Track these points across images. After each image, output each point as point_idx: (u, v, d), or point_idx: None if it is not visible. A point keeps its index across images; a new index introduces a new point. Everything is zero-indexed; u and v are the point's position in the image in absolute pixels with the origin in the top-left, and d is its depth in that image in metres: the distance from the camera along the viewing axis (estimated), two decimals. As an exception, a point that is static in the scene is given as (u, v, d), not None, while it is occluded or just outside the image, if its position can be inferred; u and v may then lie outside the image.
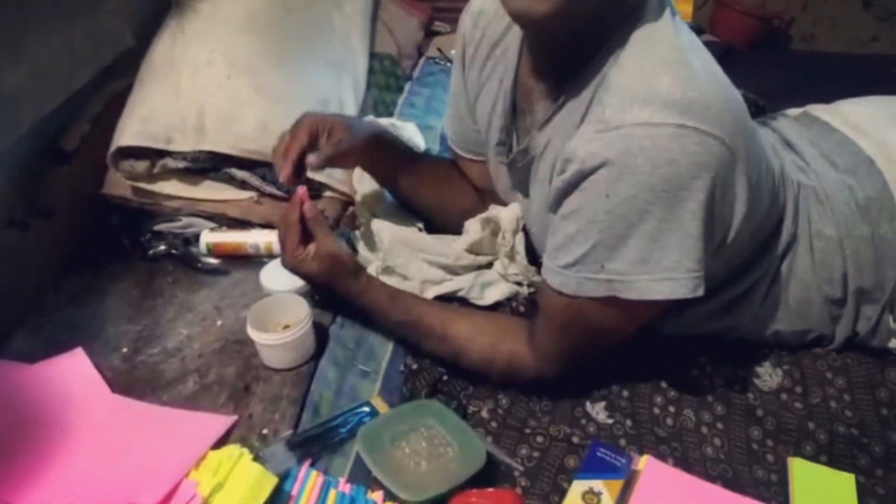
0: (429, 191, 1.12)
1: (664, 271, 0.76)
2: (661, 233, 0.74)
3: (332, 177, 1.16)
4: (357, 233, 1.11)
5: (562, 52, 0.82)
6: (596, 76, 0.79)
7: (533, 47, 0.88)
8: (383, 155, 1.05)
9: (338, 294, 0.96)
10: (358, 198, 1.16)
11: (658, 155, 0.71)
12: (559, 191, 0.80)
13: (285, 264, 0.95)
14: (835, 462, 0.87)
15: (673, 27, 0.78)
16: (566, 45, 0.80)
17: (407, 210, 1.15)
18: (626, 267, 0.76)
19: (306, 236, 0.93)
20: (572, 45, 0.80)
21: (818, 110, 1.08)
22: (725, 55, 1.89)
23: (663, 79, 0.73)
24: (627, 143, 0.72)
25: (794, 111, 1.13)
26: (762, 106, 1.44)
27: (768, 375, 0.96)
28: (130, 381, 0.93)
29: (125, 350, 0.97)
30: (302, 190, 0.92)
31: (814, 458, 0.88)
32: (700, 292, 0.77)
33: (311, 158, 0.92)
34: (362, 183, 1.15)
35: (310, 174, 0.98)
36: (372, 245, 1.08)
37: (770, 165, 0.88)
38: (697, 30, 2.09)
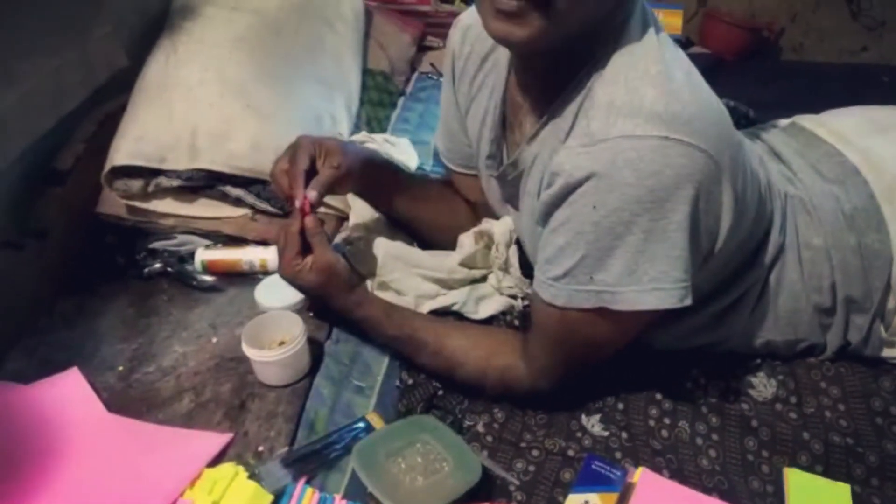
0: (422, 210, 1.12)
1: (651, 282, 0.76)
2: (648, 244, 0.75)
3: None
4: (351, 248, 1.12)
5: (547, 69, 0.83)
6: (581, 91, 0.80)
7: (518, 64, 0.90)
8: (376, 177, 1.05)
9: (333, 307, 0.97)
10: (352, 214, 1.16)
11: (643, 167, 0.72)
12: (547, 205, 0.81)
13: (282, 274, 0.95)
14: (830, 472, 0.88)
15: (657, 42, 0.79)
16: (550, 63, 0.82)
17: (401, 230, 1.16)
18: (614, 278, 0.77)
19: (305, 248, 0.93)
20: (557, 62, 0.81)
21: (805, 121, 1.10)
22: (715, 66, 1.91)
23: (647, 92, 0.74)
24: (613, 156, 0.73)
25: (782, 122, 1.15)
26: (752, 117, 1.45)
27: (762, 386, 0.97)
28: (126, 399, 0.92)
29: (120, 369, 0.97)
30: (304, 201, 0.92)
31: (809, 469, 0.88)
32: (687, 302, 0.78)
33: (312, 194, 0.92)
34: (357, 199, 1.16)
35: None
36: (366, 261, 1.09)
37: (756, 176, 0.89)
38: (687, 42, 2.11)
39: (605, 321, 0.81)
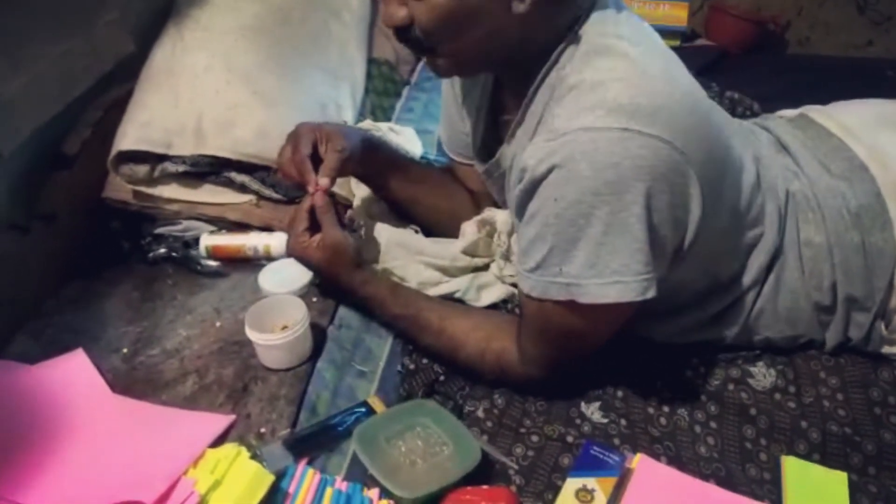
0: (422, 194, 1.13)
1: (612, 275, 0.77)
2: (608, 236, 0.76)
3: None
4: (355, 235, 1.12)
5: (508, 78, 0.85)
6: (547, 90, 0.81)
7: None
8: (377, 159, 1.06)
9: (340, 284, 0.98)
10: (356, 201, 1.17)
11: (600, 158, 0.73)
12: (519, 199, 0.82)
13: (289, 251, 0.97)
14: (827, 460, 0.88)
15: (628, 32, 0.79)
16: (506, 74, 0.83)
17: (402, 217, 1.16)
18: (578, 270, 0.78)
19: (315, 226, 0.95)
20: (513, 72, 0.83)
21: (814, 112, 1.08)
22: (720, 59, 1.90)
23: (612, 86, 0.75)
24: (571, 149, 0.74)
25: (790, 112, 1.13)
26: (756, 111, 1.45)
27: (762, 375, 0.97)
28: (130, 381, 0.94)
29: (125, 351, 0.98)
30: (318, 188, 0.94)
31: (807, 457, 0.88)
32: (650, 295, 0.78)
33: (324, 181, 0.94)
34: (360, 186, 1.16)
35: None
36: (370, 247, 1.09)
37: (737, 169, 0.89)
38: (692, 34, 2.10)
39: (576, 314, 0.82)
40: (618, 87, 0.74)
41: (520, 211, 0.84)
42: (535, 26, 0.79)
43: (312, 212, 0.95)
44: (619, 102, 0.73)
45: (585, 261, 0.77)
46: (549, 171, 0.75)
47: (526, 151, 0.80)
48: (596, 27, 0.79)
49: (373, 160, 1.05)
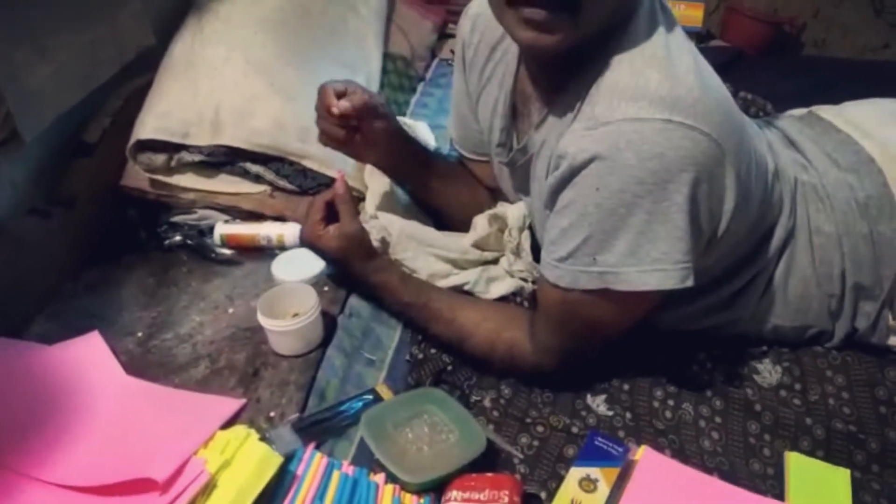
0: (442, 189, 1.15)
1: (653, 263, 0.78)
2: (650, 225, 0.76)
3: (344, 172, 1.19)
4: (366, 227, 1.14)
5: (559, 64, 0.85)
6: (587, 77, 0.81)
7: (530, 56, 0.91)
8: (407, 148, 1.08)
9: (351, 272, 1.00)
10: (368, 193, 1.18)
11: (645, 148, 0.73)
12: (553, 187, 0.83)
13: (304, 238, 1.00)
14: (831, 457, 0.88)
15: (664, 29, 0.80)
16: (565, 58, 0.83)
17: (419, 207, 1.18)
18: (616, 259, 0.78)
19: (330, 217, 0.98)
20: (570, 57, 0.82)
21: (823, 110, 1.09)
22: (736, 60, 1.89)
23: (652, 76, 0.75)
24: (616, 138, 0.74)
25: (798, 111, 1.14)
26: (770, 111, 1.44)
27: (768, 372, 0.98)
28: (144, 364, 0.96)
29: (140, 335, 1.01)
30: (340, 174, 1.00)
31: (810, 454, 0.89)
32: (689, 283, 0.79)
33: (343, 104, 0.98)
34: (373, 178, 1.18)
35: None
36: (380, 239, 1.11)
37: (762, 160, 0.90)
38: (708, 35, 2.10)
39: (608, 302, 0.83)
40: (657, 78, 0.75)
41: (551, 199, 0.84)
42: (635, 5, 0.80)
43: (330, 203, 0.98)
44: (660, 94, 0.74)
45: (626, 249, 0.77)
46: (591, 160, 0.76)
47: (564, 139, 0.80)
48: (642, 20, 0.80)
49: (404, 149, 1.07)
